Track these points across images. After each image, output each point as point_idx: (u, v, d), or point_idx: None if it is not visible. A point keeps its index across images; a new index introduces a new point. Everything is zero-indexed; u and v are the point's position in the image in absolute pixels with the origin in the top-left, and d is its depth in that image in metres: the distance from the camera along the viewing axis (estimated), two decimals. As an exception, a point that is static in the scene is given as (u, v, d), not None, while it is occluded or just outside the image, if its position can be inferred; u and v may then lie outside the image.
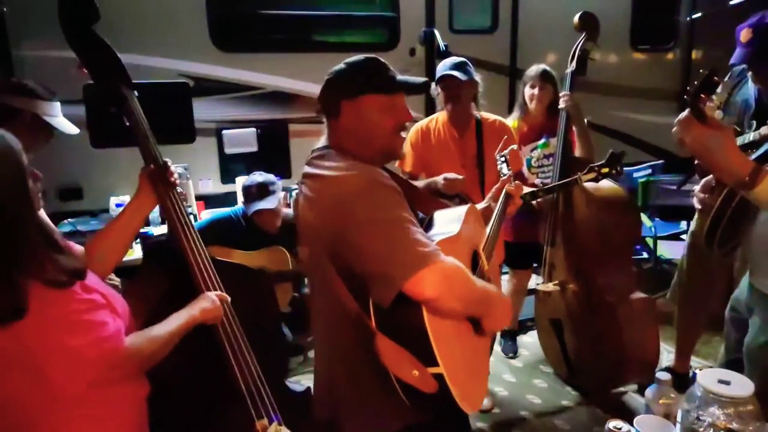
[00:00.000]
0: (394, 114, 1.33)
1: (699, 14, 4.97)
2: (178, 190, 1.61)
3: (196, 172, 3.58)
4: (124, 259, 1.57)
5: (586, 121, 2.96)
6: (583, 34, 2.96)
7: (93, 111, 2.83)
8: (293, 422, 1.54)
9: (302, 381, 2.27)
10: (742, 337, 1.70)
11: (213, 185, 3.76)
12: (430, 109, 3.46)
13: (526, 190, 2.38)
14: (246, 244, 2.80)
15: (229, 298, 1.56)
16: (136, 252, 2.81)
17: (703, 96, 1.19)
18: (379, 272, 1.13)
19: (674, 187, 3.86)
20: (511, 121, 3.06)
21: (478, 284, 1.25)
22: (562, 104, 2.88)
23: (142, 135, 1.59)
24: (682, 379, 2.76)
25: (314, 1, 4.07)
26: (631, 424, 1.24)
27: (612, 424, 1.23)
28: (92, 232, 2.81)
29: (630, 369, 2.76)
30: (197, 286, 1.53)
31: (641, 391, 2.72)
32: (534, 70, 3.05)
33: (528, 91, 3.06)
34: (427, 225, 1.40)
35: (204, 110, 3.58)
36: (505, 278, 3.44)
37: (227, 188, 3.69)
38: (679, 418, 1.27)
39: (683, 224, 4.45)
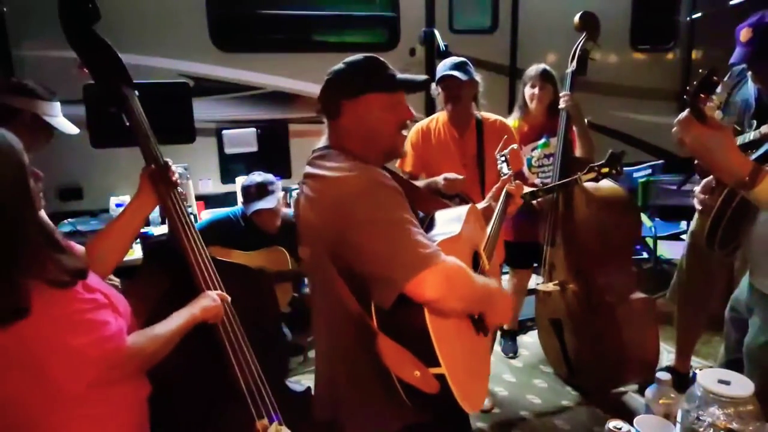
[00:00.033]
0: (396, 112, 1.33)
1: (699, 14, 4.98)
2: (179, 190, 1.61)
3: (196, 172, 3.57)
4: (124, 259, 1.57)
5: (586, 121, 2.97)
6: (584, 34, 2.96)
7: (93, 111, 2.82)
8: (293, 422, 1.54)
9: (302, 381, 2.27)
10: (742, 337, 1.70)
11: (213, 185, 3.76)
12: (430, 109, 3.46)
13: (527, 189, 2.38)
14: (245, 244, 2.80)
15: (229, 298, 1.56)
16: (136, 252, 2.81)
17: (702, 96, 1.19)
18: (380, 273, 1.13)
19: (674, 187, 3.87)
20: (512, 120, 3.06)
21: (479, 282, 1.25)
22: (562, 104, 2.88)
23: (143, 135, 1.59)
24: (683, 379, 2.77)
25: (314, 1, 4.07)
26: (631, 424, 1.24)
27: (612, 424, 1.23)
28: (92, 232, 2.82)
29: (630, 369, 2.76)
30: (198, 286, 1.53)
31: (641, 391, 2.72)
32: (534, 69, 3.05)
33: (528, 91, 3.06)
34: (428, 225, 1.40)
35: (204, 110, 3.58)
36: (505, 278, 3.44)
37: (227, 188, 3.69)
38: (679, 418, 1.27)
39: (683, 224, 4.45)
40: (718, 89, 1.20)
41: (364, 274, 1.16)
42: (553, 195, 2.83)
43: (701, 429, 1.15)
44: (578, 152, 2.96)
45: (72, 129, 2.09)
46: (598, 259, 2.76)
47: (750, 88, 2.21)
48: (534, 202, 2.78)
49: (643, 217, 3.93)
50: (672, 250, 4.53)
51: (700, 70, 1.21)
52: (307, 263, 1.36)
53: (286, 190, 3.45)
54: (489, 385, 2.98)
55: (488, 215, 1.82)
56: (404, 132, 1.37)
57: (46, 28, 2.87)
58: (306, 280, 2.87)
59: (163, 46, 3.50)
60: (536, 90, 3.02)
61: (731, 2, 4.65)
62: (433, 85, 2.58)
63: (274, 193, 2.82)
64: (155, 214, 3.02)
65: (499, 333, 3.42)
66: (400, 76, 1.34)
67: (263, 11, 3.84)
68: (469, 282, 1.21)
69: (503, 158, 2.01)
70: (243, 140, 3.72)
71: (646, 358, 2.73)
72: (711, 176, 1.99)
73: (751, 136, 2.03)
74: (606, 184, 2.64)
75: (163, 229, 3.03)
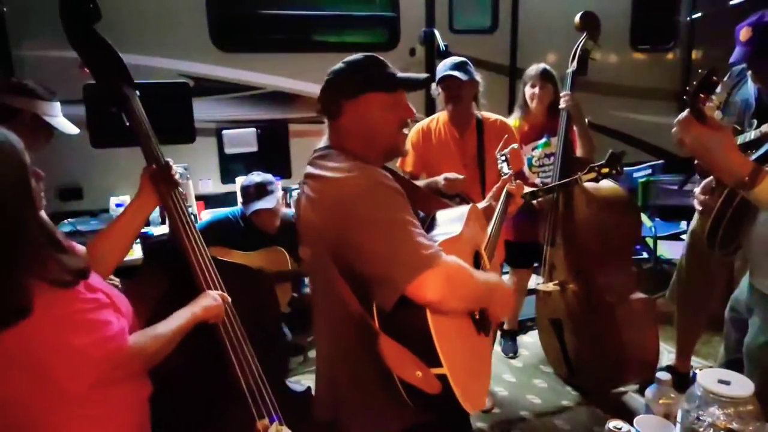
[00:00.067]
0: (396, 111, 1.33)
1: (699, 14, 4.98)
2: (180, 190, 1.61)
3: (196, 172, 3.57)
4: (124, 258, 1.57)
5: (586, 120, 2.97)
6: (584, 34, 2.96)
7: (93, 111, 2.82)
8: (293, 422, 1.54)
9: (302, 381, 2.27)
10: (742, 337, 1.70)
11: (213, 185, 3.76)
12: (430, 109, 3.46)
13: (527, 189, 2.38)
14: (244, 244, 2.80)
15: (230, 298, 1.56)
16: (136, 252, 2.81)
17: (702, 96, 1.19)
18: (380, 274, 1.13)
19: (674, 187, 3.87)
20: (512, 120, 3.06)
21: (480, 279, 1.25)
22: (562, 104, 2.88)
23: (144, 135, 1.59)
24: (683, 379, 2.76)
25: (314, 1, 4.07)
26: (631, 424, 1.24)
27: (612, 424, 1.23)
28: (92, 233, 2.81)
29: (630, 369, 2.76)
30: (199, 286, 1.53)
31: (641, 391, 2.72)
32: (534, 69, 3.05)
33: (528, 91, 3.06)
34: (429, 225, 1.40)
35: (204, 110, 3.58)
36: (505, 278, 3.44)
37: (227, 188, 3.69)
38: (679, 418, 1.27)
39: (683, 224, 4.45)
40: (718, 89, 1.20)
41: (365, 275, 1.15)
42: (553, 195, 2.83)
43: (701, 429, 1.15)
44: (579, 152, 2.96)
45: (72, 129, 2.10)
46: (598, 259, 2.76)
47: (750, 88, 2.21)
48: (534, 201, 2.78)
49: (643, 217, 3.93)
50: (672, 250, 4.53)
51: (700, 70, 1.21)
52: (308, 264, 1.36)
53: (286, 190, 3.45)
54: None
55: (489, 215, 1.82)
56: (405, 131, 1.37)
57: (46, 28, 2.89)
58: (306, 281, 2.88)
59: (163, 46, 3.50)
60: (536, 90, 3.02)
61: (731, 2, 4.65)
62: (434, 85, 2.59)
63: (274, 193, 2.81)
64: (155, 214, 3.02)
65: (499, 333, 3.42)
66: (400, 74, 1.34)
67: (263, 11, 3.84)
68: (471, 281, 1.21)
69: (504, 158, 2.01)
70: (243, 140, 3.72)
71: (646, 358, 2.73)
72: (711, 177, 1.99)
73: (751, 135, 2.03)
74: (606, 184, 2.64)
75: (164, 229, 3.03)
